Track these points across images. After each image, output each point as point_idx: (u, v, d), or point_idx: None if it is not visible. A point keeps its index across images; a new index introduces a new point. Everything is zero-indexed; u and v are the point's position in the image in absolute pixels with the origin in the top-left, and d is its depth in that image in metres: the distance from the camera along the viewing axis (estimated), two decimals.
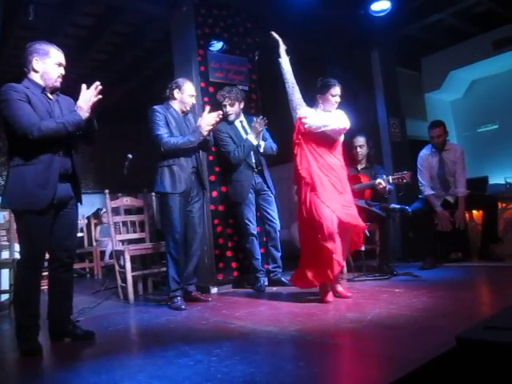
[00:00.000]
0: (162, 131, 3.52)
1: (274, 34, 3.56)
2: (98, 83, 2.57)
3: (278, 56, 3.52)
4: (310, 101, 3.48)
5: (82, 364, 2.35)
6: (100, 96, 2.58)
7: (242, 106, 4.22)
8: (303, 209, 3.29)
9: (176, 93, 3.67)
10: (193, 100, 3.74)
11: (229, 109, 4.14)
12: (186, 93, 3.67)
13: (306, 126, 3.34)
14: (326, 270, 3.16)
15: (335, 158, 3.39)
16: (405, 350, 1.99)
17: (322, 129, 3.30)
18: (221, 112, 3.62)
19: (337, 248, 3.15)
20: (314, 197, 3.23)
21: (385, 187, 4.22)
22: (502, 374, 1.52)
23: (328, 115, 3.38)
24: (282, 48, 3.52)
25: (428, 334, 2.22)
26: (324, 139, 3.35)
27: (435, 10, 5.75)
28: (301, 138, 3.38)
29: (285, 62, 3.49)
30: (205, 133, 3.54)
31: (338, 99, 3.40)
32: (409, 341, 2.14)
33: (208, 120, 3.53)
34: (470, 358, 1.59)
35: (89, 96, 2.56)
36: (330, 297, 3.25)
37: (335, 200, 3.24)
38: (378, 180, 4.23)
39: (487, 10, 6.23)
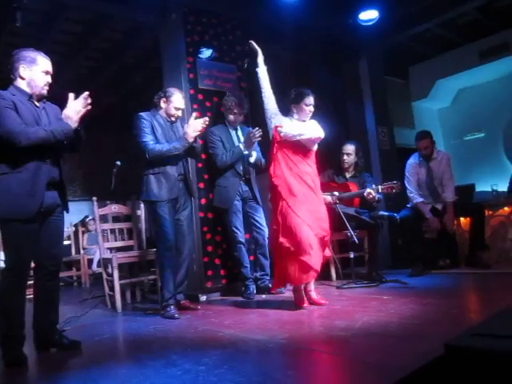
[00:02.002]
0: (148, 138, 3.48)
1: (253, 44, 3.60)
2: (86, 93, 2.56)
3: (256, 66, 3.56)
4: (285, 111, 3.53)
5: (68, 375, 2.31)
6: (89, 107, 2.57)
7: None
8: (277, 217, 3.33)
9: (163, 102, 3.64)
10: (178, 113, 3.68)
11: (237, 117, 4.18)
12: (172, 104, 3.62)
13: (281, 134, 3.38)
14: (299, 276, 3.22)
15: (309, 166, 3.43)
16: (393, 358, 1.99)
17: (298, 138, 3.36)
18: (207, 118, 3.59)
19: (311, 257, 3.18)
20: (287, 206, 3.28)
21: (374, 197, 4.25)
22: (490, 381, 1.52)
23: (303, 125, 3.44)
24: (261, 58, 3.56)
25: (416, 341, 2.22)
26: (299, 148, 3.40)
27: (422, 20, 5.82)
28: (276, 146, 3.43)
29: (262, 71, 3.54)
30: (190, 139, 3.50)
31: (311, 108, 3.46)
32: (397, 348, 2.14)
33: (195, 126, 3.49)
34: (458, 366, 1.59)
35: (78, 106, 2.55)
36: (304, 303, 3.32)
37: (307, 209, 3.29)
38: (368, 190, 4.25)
39: (473, 20, 6.34)
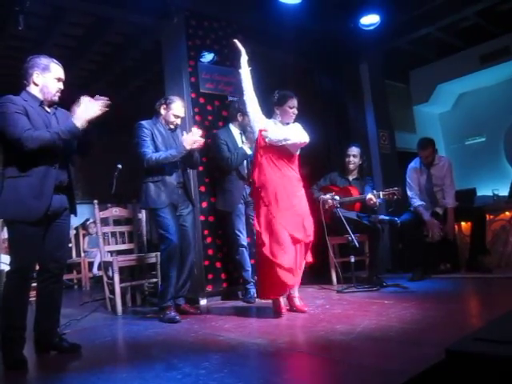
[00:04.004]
0: (146, 148, 3.49)
1: (237, 43, 3.52)
2: (106, 98, 2.62)
3: (239, 66, 3.49)
4: (268, 113, 3.49)
5: (67, 378, 2.30)
6: (107, 109, 2.62)
7: None
8: (259, 224, 3.30)
9: (163, 109, 3.65)
10: (177, 121, 3.68)
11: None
12: (171, 111, 3.63)
13: (266, 139, 3.34)
14: (278, 286, 3.22)
15: (292, 171, 3.41)
16: (394, 363, 1.99)
17: (283, 143, 3.31)
18: (201, 132, 3.58)
19: (288, 264, 3.16)
20: (269, 213, 3.24)
21: (375, 203, 4.27)
22: None
23: (288, 129, 3.40)
24: (244, 58, 3.48)
25: (417, 346, 2.22)
26: (283, 153, 3.36)
27: (423, 25, 5.83)
28: (261, 151, 3.39)
29: (245, 72, 3.45)
30: (187, 147, 3.49)
31: (295, 111, 3.42)
32: (398, 353, 2.14)
33: (189, 140, 3.49)
34: (460, 371, 1.59)
35: (94, 108, 2.58)
36: (283, 310, 3.30)
37: (290, 215, 3.25)
38: (369, 196, 4.27)
39: (474, 24, 6.34)
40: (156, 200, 3.48)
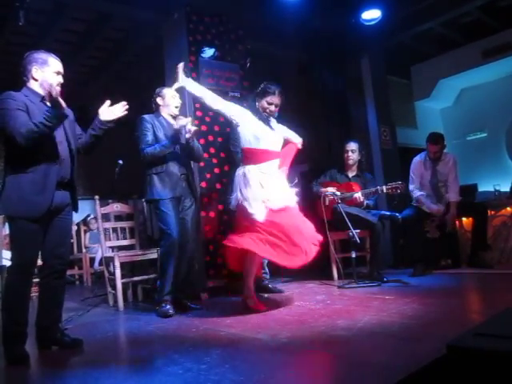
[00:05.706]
0: (145, 143, 3.51)
1: (179, 69, 3.35)
2: (124, 103, 2.74)
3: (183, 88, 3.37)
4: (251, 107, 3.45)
5: (69, 373, 2.32)
6: (126, 112, 2.74)
7: None
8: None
9: (159, 100, 3.69)
10: (177, 100, 3.71)
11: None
12: (167, 96, 3.67)
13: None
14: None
15: None
16: (395, 358, 1.99)
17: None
18: (189, 119, 3.62)
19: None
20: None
21: (362, 201, 4.36)
22: (493, 381, 1.52)
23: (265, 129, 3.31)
24: (182, 79, 3.31)
25: (418, 341, 2.22)
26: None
27: (424, 20, 5.81)
28: None
29: (192, 88, 3.34)
30: (176, 126, 3.49)
31: (273, 108, 3.28)
32: (399, 348, 2.14)
33: (180, 121, 3.52)
34: (460, 366, 1.59)
35: (116, 111, 2.72)
36: (261, 306, 3.31)
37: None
38: (356, 194, 4.30)
39: (476, 19, 6.32)
40: (160, 191, 3.50)
